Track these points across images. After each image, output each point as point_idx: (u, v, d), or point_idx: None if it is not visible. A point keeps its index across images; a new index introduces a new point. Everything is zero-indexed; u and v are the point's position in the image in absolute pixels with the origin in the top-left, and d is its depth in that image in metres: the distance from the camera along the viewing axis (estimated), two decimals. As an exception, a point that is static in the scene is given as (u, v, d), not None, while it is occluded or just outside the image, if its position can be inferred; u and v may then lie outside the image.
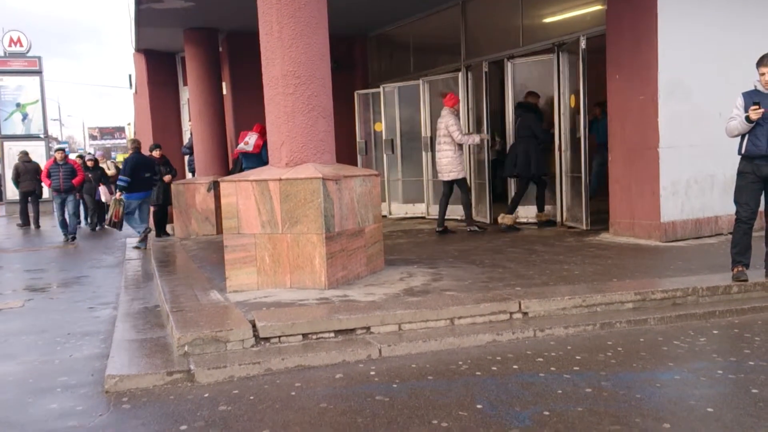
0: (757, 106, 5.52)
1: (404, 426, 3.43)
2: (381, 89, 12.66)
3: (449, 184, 9.86)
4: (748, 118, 5.59)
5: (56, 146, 14.08)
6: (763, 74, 5.61)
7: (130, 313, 6.08)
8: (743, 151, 5.77)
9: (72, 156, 17.83)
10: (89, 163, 16.27)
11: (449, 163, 9.67)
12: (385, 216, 11.94)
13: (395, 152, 12.61)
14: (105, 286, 8.16)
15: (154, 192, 11.55)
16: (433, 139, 11.88)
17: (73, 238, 13.15)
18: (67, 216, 13.30)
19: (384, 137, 12.63)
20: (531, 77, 10.32)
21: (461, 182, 9.78)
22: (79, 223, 14.55)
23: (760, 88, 5.66)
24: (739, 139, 5.84)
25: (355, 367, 4.39)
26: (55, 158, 13.69)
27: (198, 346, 4.55)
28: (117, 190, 10.97)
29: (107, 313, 6.51)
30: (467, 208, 9.91)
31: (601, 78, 8.87)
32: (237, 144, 11.92)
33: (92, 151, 50.28)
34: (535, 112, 9.68)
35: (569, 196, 9.75)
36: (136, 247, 10.88)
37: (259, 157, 11.10)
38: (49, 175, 13.56)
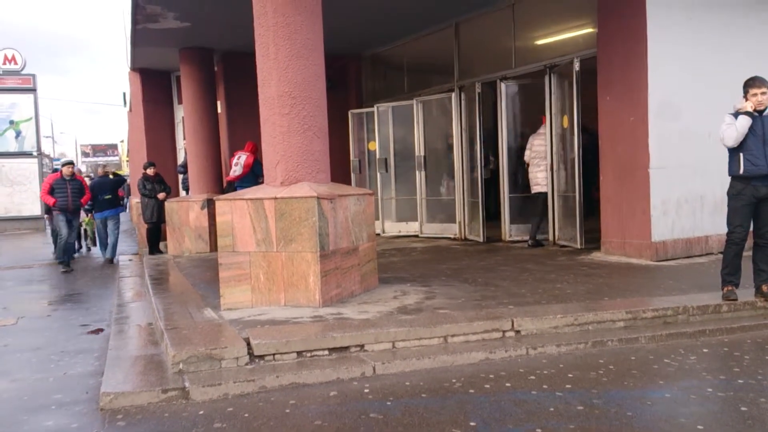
0: (757, 93, 5.60)
1: (398, 443, 3.46)
2: (375, 109, 12.76)
3: (543, 198, 9.97)
4: (749, 113, 5.62)
5: (63, 159, 12.76)
6: (755, 95, 5.68)
7: (123, 331, 6.09)
8: (741, 171, 5.72)
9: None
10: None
11: (545, 177, 9.86)
12: (378, 234, 11.99)
13: (389, 171, 12.70)
14: (99, 303, 8.15)
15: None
16: (426, 158, 12.00)
17: (68, 264, 11.64)
18: (66, 239, 11.68)
19: (378, 156, 12.72)
20: (523, 98, 10.45)
21: (545, 196, 9.93)
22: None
23: (748, 108, 5.72)
24: (729, 159, 5.89)
25: (349, 385, 4.41)
26: (62, 173, 11.90)
27: (193, 363, 4.57)
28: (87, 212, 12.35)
29: (101, 331, 6.50)
30: (538, 222, 10.09)
31: (592, 99, 9.00)
32: (230, 163, 12.00)
33: (83, 168, 50.24)
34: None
35: (561, 215, 9.83)
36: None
37: (251, 175, 11.18)
38: (52, 192, 11.64)
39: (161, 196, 11.95)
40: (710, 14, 8.55)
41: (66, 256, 11.68)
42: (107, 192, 12.81)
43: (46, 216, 13.65)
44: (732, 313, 5.79)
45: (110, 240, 12.55)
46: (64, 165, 12.18)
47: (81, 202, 11.91)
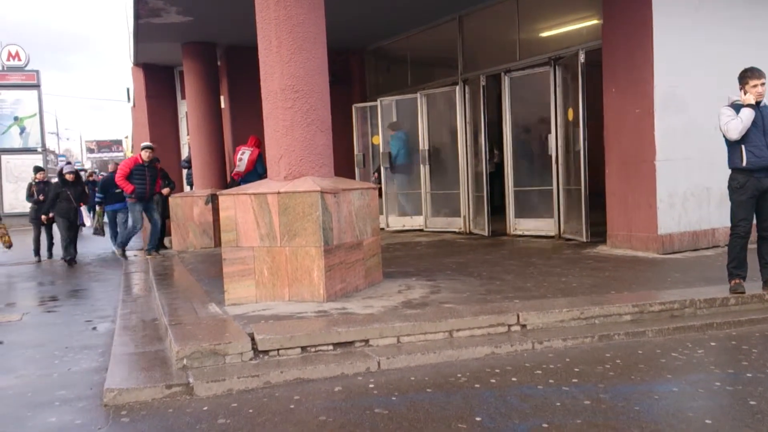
0: (757, 84, 5.56)
1: (403, 439, 3.43)
2: (379, 103, 12.72)
3: None
4: (751, 105, 5.57)
5: (143, 143, 11.45)
6: (755, 86, 5.63)
7: (128, 327, 6.07)
8: (744, 163, 5.68)
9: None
10: (69, 177, 11.98)
11: None
12: (382, 229, 11.96)
13: (393, 165, 12.66)
14: (103, 299, 8.15)
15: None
16: (430, 151, 11.95)
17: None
18: (132, 230, 11.22)
19: (382, 150, 12.67)
20: (528, 91, 10.39)
21: None
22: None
23: (751, 101, 5.67)
24: (729, 152, 5.83)
25: (353, 380, 4.39)
26: (141, 157, 10.91)
27: (197, 359, 4.55)
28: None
29: (105, 326, 6.50)
30: None
31: (596, 91, 8.94)
32: (234, 158, 11.97)
33: (88, 165, 50.15)
34: None
35: (566, 209, 9.79)
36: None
37: (255, 173, 11.15)
38: (129, 177, 10.71)
39: (165, 191, 11.94)
40: (717, 5, 8.49)
41: (121, 245, 11.56)
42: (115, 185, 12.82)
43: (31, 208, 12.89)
44: (740, 306, 5.75)
45: (120, 230, 12.60)
46: (144, 149, 11.06)
47: (157, 191, 11.28)
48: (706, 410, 3.69)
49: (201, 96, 12.42)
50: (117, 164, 14.10)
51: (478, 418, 3.64)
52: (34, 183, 12.72)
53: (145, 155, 10.91)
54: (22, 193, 22.43)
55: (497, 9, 10.83)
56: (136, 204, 10.86)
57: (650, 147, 8.07)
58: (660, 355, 4.73)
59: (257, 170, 11.31)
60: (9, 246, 11.97)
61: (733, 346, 4.95)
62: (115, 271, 10.51)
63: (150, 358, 4.93)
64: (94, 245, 14.91)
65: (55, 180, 12.75)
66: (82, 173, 15.70)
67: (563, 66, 9.54)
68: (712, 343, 5.01)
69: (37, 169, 13.13)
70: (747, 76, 5.68)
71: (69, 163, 12.69)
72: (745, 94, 5.68)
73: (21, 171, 22.40)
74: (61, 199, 11.54)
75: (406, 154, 12.11)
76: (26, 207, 22.13)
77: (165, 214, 12.04)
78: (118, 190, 12.39)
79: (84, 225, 12.87)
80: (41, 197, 12.19)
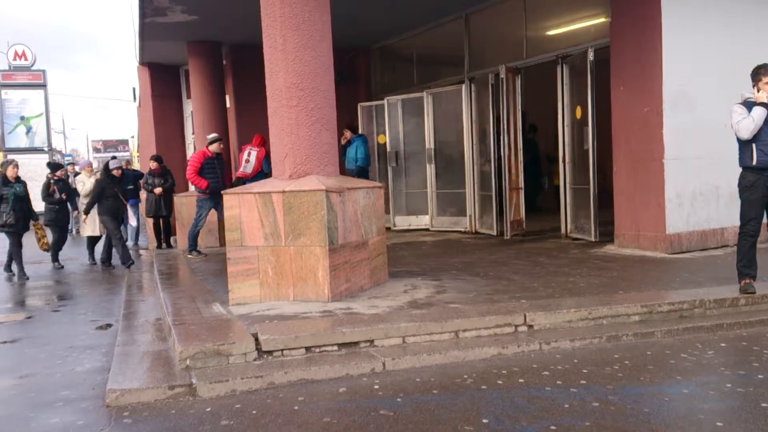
0: None
1: (409, 441, 3.38)
2: (385, 101, 12.67)
3: None
4: (764, 104, 5.49)
5: (212, 135, 10.53)
6: None
7: (132, 326, 6.05)
8: (754, 162, 5.61)
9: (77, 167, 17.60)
10: (116, 173, 10.85)
11: None
12: (388, 228, 11.91)
13: (399, 164, 12.61)
14: (108, 298, 8.13)
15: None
16: (436, 150, 11.89)
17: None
18: (195, 220, 10.22)
19: (387, 149, 12.62)
20: (534, 89, 10.33)
21: None
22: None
23: (764, 99, 5.59)
24: (739, 150, 5.76)
25: (358, 381, 4.34)
26: (208, 150, 10.25)
27: (200, 359, 4.51)
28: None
29: (110, 326, 6.47)
30: None
31: (603, 90, 8.87)
32: (239, 158, 11.91)
33: (95, 164, 50.16)
34: None
35: (574, 208, 9.71)
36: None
37: (261, 173, 11.07)
38: (201, 172, 9.98)
39: (157, 191, 11.78)
40: (726, 3, 8.39)
41: (193, 246, 10.22)
42: (130, 182, 13.03)
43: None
44: (750, 307, 5.67)
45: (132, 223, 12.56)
46: (213, 142, 10.29)
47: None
48: (717, 412, 3.63)
49: (206, 95, 12.40)
50: (128, 161, 14.07)
51: (485, 420, 3.59)
52: (53, 181, 11.44)
53: (213, 148, 10.23)
54: (30, 193, 22.50)
55: (504, 7, 10.76)
56: (208, 200, 10.09)
57: (659, 145, 7.99)
58: (669, 356, 4.66)
59: (263, 170, 11.26)
60: (46, 250, 11.03)
61: (743, 347, 4.87)
62: (121, 270, 10.49)
63: (153, 358, 4.90)
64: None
65: (77, 176, 12.26)
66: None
67: (570, 64, 9.47)
68: (723, 344, 4.94)
69: (56, 166, 11.98)
70: (760, 72, 5.60)
71: (115, 157, 11.78)
72: (758, 91, 5.60)
73: (28, 170, 22.40)
74: (107, 196, 10.42)
75: (367, 158, 11.80)
76: (35, 207, 22.33)
77: (169, 213, 12.00)
78: (130, 186, 12.52)
79: (129, 224, 12.48)
80: (63, 196, 11.69)
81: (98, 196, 10.47)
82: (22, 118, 22.69)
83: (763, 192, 5.68)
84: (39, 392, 4.49)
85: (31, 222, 10.53)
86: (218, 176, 10.12)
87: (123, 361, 4.84)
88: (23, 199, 10.20)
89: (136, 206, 13.46)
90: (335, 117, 6.41)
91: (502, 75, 9.86)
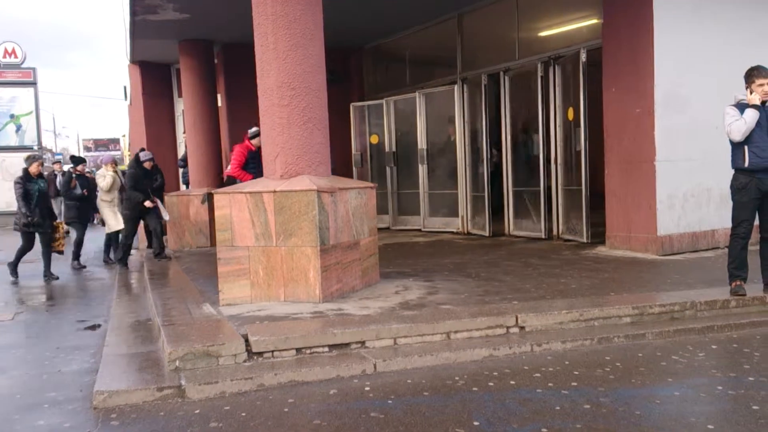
0: (764, 84, 5.47)
1: (399, 444, 3.36)
2: (377, 102, 12.65)
3: None
4: (756, 106, 5.50)
5: (253, 129, 9.80)
6: (761, 85, 5.55)
7: (121, 327, 6.00)
8: (746, 164, 5.62)
9: (66, 167, 17.35)
10: (148, 165, 10.42)
11: None
12: (380, 229, 11.88)
13: (391, 165, 12.58)
14: (97, 299, 8.06)
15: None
16: (428, 151, 11.88)
17: None
18: None
19: (378, 150, 12.60)
20: (527, 90, 10.32)
21: None
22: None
23: (756, 101, 5.60)
24: (732, 152, 5.77)
25: (349, 383, 4.31)
26: (251, 144, 9.70)
27: (189, 360, 4.47)
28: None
29: (98, 327, 6.41)
30: None
31: (595, 91, 8.88)
32: (230, 157, 11.82)
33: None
34: None
35: (565, 209, 9.71)
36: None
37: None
38: (245, 166, 9.55)
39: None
40: (718, 4, 8.41)
41: None
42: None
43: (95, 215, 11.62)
44: (741, 309, 5.68)
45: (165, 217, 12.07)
46: (255, 136, 9.59)
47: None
48: (708, 415, 3.62)
49: (197, 94, 12.33)
50: (115, 161, 13.24)
51: (476, 423, 3.57)
52: (74, 175, 10.82)
53: (256, 142, 9.54)
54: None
55: (497, 7, 10.75)
56: None
57: (650, 147, 8.00)
58: (660, 358, 4.66)
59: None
60: (61, 252, 10.25)
61: (734, 349, 4.88)
62: (110, 271, 10.42)
63: (142, 359, 4.85)
64: (92, 239, 14.79)
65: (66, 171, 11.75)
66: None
67: (562, 65, 9.47)
68: (713, 346, 4.94)
69: (78, 160, 11.34)
70: (753, 74, 5.61)
71: (144, 149, 11.19)
72: (751, 93, 5.61)
73: (17, 169, 22.19)
74: (138, 189, 9.98)
75: None
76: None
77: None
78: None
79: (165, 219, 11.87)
80: (85, 192, 10.86)
81: (133, 186, 9.93)
82: (12, 116, 22.50)
83: (755, 194, 5.68)
84: (25, 394, 4.44)
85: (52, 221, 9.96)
86: (259, 171, 9.51)
87: (111, 362, 4.79)
88: (46, 196, 9.68)
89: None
90: (327, 116, 6.37)
91: (541, 73, 9.72)
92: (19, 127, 22.62)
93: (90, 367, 4.97)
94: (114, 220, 10.80)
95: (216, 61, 13.25)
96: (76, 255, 10.91)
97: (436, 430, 3.48)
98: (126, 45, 13.70)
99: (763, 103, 5.59)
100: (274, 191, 5.88)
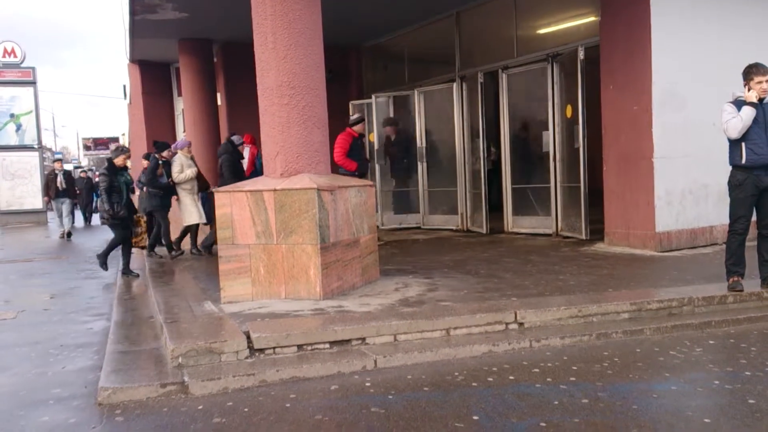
0: (762, 81, 5.51)
1: (400, 438, 3.40)
2: (375, 100, 12.67)
3: None
4: (753, 103, 5.53)
5: (356, 116, 9.95)
6: (759, 82, 5.58)
7: (123, 325, 6.04)
8: (743, 161, 5.65)
9: (68, 167, 17.23)
10: (167, 155, 10.16)
11: None
12: (379, 226, 11.92)
13: (389, 162, 12.62)
14: (99, 296, 8.10)
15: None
16: (427, 149, 11.91)
17: None
18: None
19: (377, 147, 12.63)
20: (526, 88, 10.36)
21: None
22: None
23: (753, 98, 5.63)
24: (729, 149, 5.81)
25: (350, 379, 4.36)
26: (354, 131, 9.49)
27: (192, 357, 4.51)
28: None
29: (101, 325, 6.45)
30: None
31: (592, 88, 8.91)
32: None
33: (85, 162, 49.69)
34: None
35: (564, 206, 9.76)
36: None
37: (254, 173, 11.01)
38: (349, 153, 9.29)
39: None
40: (717, 1, 8.44)
41: None
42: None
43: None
44: (738, 304, 5.73)
45: None
46: (358, 122, 9.47)
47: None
48: (705, 409, 3.67)
49: (197, 93, 12.38)
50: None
51: (475, 417, 3.61)
52: (161, 162, 10.01)
53: (358, 128, 9.44)
54: (20, 191, 22.30)
55: (495, 5, 10.79)
56: None
57: (648, 144, 8.04)
58: (658, 353, 4.71)
59: (256, 167, 11.21)
60: (143, 247, 9.96)
61: (731, 345, 4.92)
62: (112, 269, 10.45)
63: (145, 356, 4.90)
64: (93, 239, 14.85)
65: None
66: (77, 171, 15.08)
67: (561, 63, 9.50)
68: (711, 342, 4.99)
69: (162, 146, 10.17)
70: (752, 72, 5.64)
71: (235, 133, 10.69)
72: (749, 90, 5.64)
73: (18, 168, 22.29)
74: (239, 176, 9.54)
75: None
76: (23, 204, 22.14)
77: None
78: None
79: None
80: (171, 180, 9.96)
81: (233, 173, 9.51)
82: (12, 115, 22.50)
83: (752, 190, 5.72)
84: (30, 390, 4.48)
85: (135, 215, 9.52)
86: (363, 159, 9.52)
87: (115, 359, 4.83)
88: (130, 189, 9.21)
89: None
90: (326, 115, 6.42)
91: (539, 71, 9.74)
92: (19, 127, 22.62)
93: (94, 364, 5.01)
94: (196, 211, 10.01)
95: (215, 60, 13.29)
96: (170, 245, 10.14)
97: (436, 425, 3.53)
98: (125, 44, 13.75)
99: (761, 100, 5.63)
100: (275, 189, 5.92)
